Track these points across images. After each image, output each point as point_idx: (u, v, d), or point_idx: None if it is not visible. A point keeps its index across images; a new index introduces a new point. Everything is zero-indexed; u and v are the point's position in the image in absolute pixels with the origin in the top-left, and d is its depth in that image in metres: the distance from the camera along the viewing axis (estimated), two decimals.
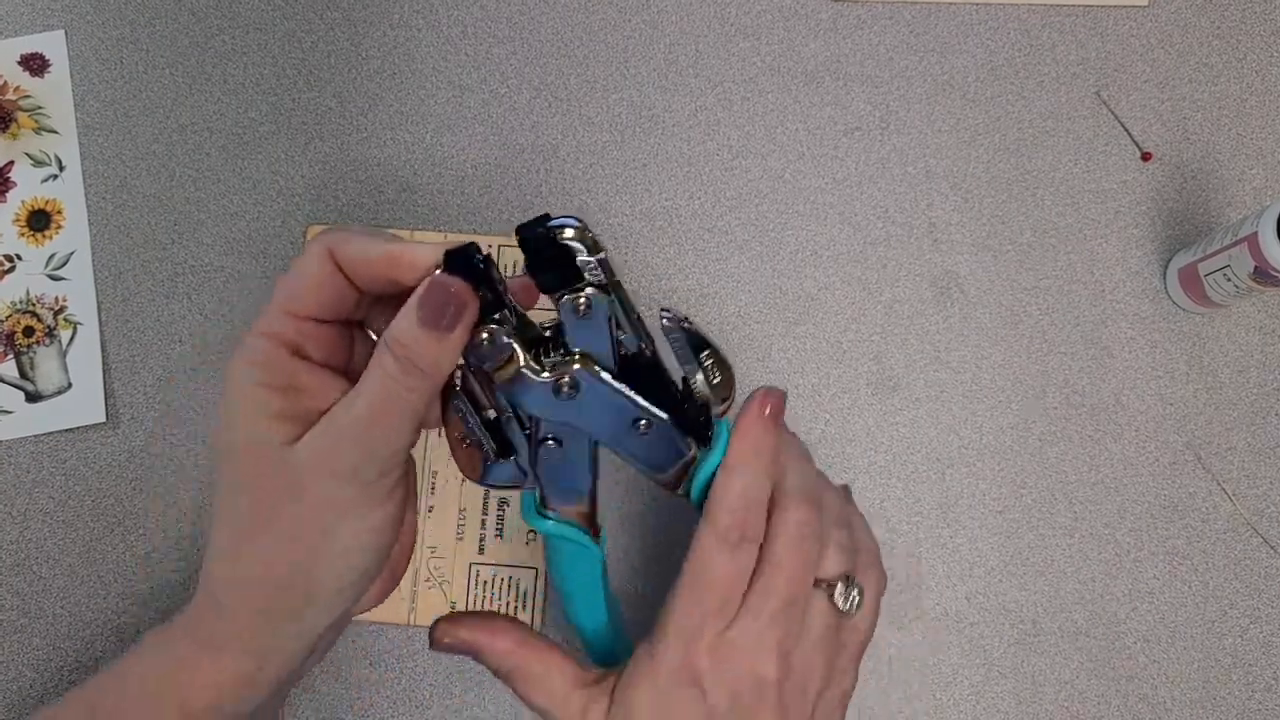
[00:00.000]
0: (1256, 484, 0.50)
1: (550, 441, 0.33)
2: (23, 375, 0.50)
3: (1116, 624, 0.49)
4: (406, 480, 0.34)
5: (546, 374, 0.31)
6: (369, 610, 0.35)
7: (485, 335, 0.30)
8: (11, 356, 0.50)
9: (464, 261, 0.29)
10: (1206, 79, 0.55)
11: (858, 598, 0.34)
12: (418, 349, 0.29)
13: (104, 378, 0.50)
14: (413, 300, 0.29)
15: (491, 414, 0.33)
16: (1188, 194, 0.53)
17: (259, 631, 0.31)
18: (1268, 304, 0.52)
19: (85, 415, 0.50)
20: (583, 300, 0.30)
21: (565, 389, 0.31)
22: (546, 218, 0.30)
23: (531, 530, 0.48)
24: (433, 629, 0.35)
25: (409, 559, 0.36)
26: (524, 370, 0.31)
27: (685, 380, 0.33)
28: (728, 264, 0.52)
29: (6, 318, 0.51)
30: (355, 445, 0.29)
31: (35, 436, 0.50)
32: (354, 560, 0.31)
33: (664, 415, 0.32)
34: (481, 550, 0.48)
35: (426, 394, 0.30)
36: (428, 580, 0.48)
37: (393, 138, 0.54)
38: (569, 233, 0.30)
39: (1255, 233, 0.45)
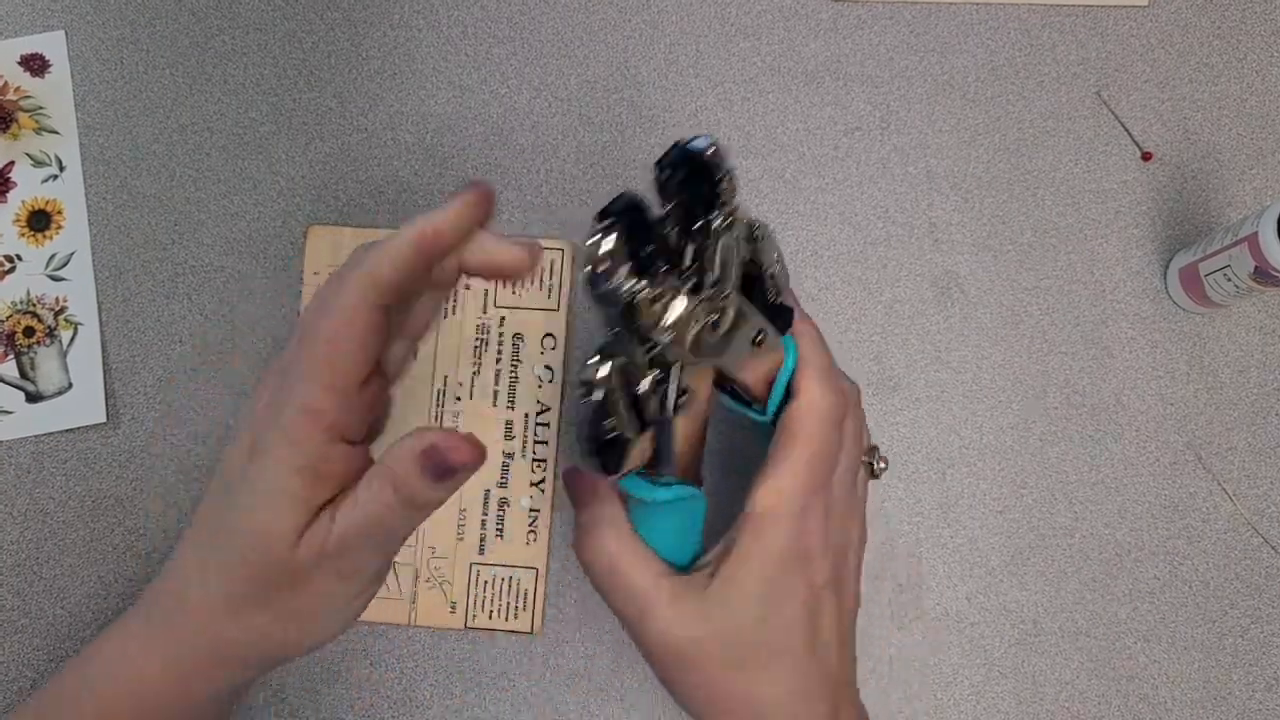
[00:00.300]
0: (1257, 484, 0.50)
1: (684, 395, 0.32)
2: (23, 375, 0.50)
3: (1117, 624, 0.49)
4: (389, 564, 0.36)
5: (713, 315, 0.31)
6: None
7: (658, 308, 0.29)
8: (12, 357, 0.50)
9: (627, 214, 0.28)
10: (1207, 79, 0.55)
11: (884, 465, 0.41)
12: (418, 493, 0.30)
13: (104, 378, 0.50)
14: (416, 447, 0.30)
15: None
16: (1188, 194, 0.53)
17: (234, 669, 0.34)
18: (1268, 304, 0.52)
19: (86, 415, 0.50)
20: (758, 228, 0.31)
21: (724, 325, 0.31)
22: (677, 145, 0.30)
23: (532, 529, 0.48)
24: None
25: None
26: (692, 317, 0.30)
27: (769, 275, 0.34)
28: None
29: (7, 318, 0.51)
30: (355, 554, 0.31)
31: (36, 437, 0.50)
32: (333, 633, 0.34)
33: (773, 327, 0.34)
34: (482, 550, 0.48)
35: (419, 522, 0.32)
36: (428, 581, 0.48)
37: (393, 138, 0.54)
38: (709, 149, 0.29)
39: (1255, 233, 0.45)
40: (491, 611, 0.48)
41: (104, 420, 0.50)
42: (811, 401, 0.35)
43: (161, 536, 0.49)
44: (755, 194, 0.53)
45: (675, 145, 0.29)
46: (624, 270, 0.28)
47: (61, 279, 0.51)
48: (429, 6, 0.55)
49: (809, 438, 0.34)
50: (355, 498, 0.30)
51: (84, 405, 0.50)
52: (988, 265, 0.52)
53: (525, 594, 0.48)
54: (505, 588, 0.48)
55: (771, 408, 0.36)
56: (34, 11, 0.54)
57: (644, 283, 0.28)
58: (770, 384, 0.35)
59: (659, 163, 0.29)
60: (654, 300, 0.29)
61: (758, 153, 0.53)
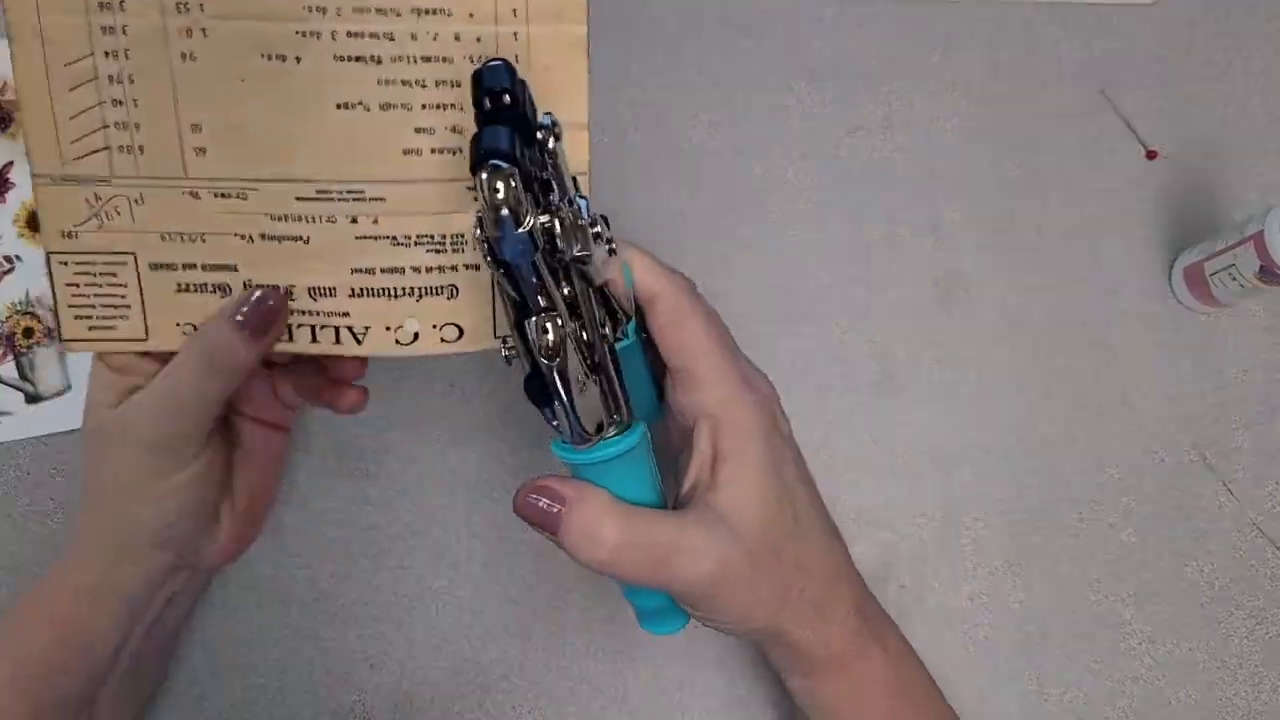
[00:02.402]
0: (1262, 484, 0.50)
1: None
2: (22, 377, 0.50)
3: (1122, 624, 0.48)
4: (217, 447, 0.38)
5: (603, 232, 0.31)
6: (228, 562, 0.41)
7: (554, 212, 0.27)
8: (11, 358, 0.50)
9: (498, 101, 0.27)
10: (1212, 77, 0.54)
11: None
12: (226, 348, 0.34)
13: None
14: (229, 304, 0.34)
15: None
16: (1193, 193, 0.53)
17: (100, 557, 0.37)
18: (1274, 303, 0.52)
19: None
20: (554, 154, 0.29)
21: (596, 230, 0.30)
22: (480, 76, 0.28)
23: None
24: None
25: (262, 514, 0.42)
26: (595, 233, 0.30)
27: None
28: (730, 263, 0.52)
29: (6, 319, 0.50)
30: (154, 423, 0.34)
31: (35, 438, 0.49)
32: (159, 513, 0.36)
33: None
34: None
35: (223, 390, 0.35)
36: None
37: None
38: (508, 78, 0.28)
39: (1261, 231, 0.45)
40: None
41: None
42: (673, 287, 0.34)
43: None
44: (757, 193, 0.53)
45: (482, 85, 0.28)
46: (531, 207, 0.27)
47: None
48: None
49: (695, 318, 0.34)
50: (165, 371, 0.35)
51: (83, 407, 0.49)
52: (992, 264, 0.52)
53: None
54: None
55: (633, 320, 0.35)
56: None
57: (545, 214, 0.27)
58: (627, 294, 0.34)
59: (481, 103, 0.28)
60: (557, 224, 0.28)
61: (760, 152, 0.53)
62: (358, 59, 0.33)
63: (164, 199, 0.34)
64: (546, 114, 0.30)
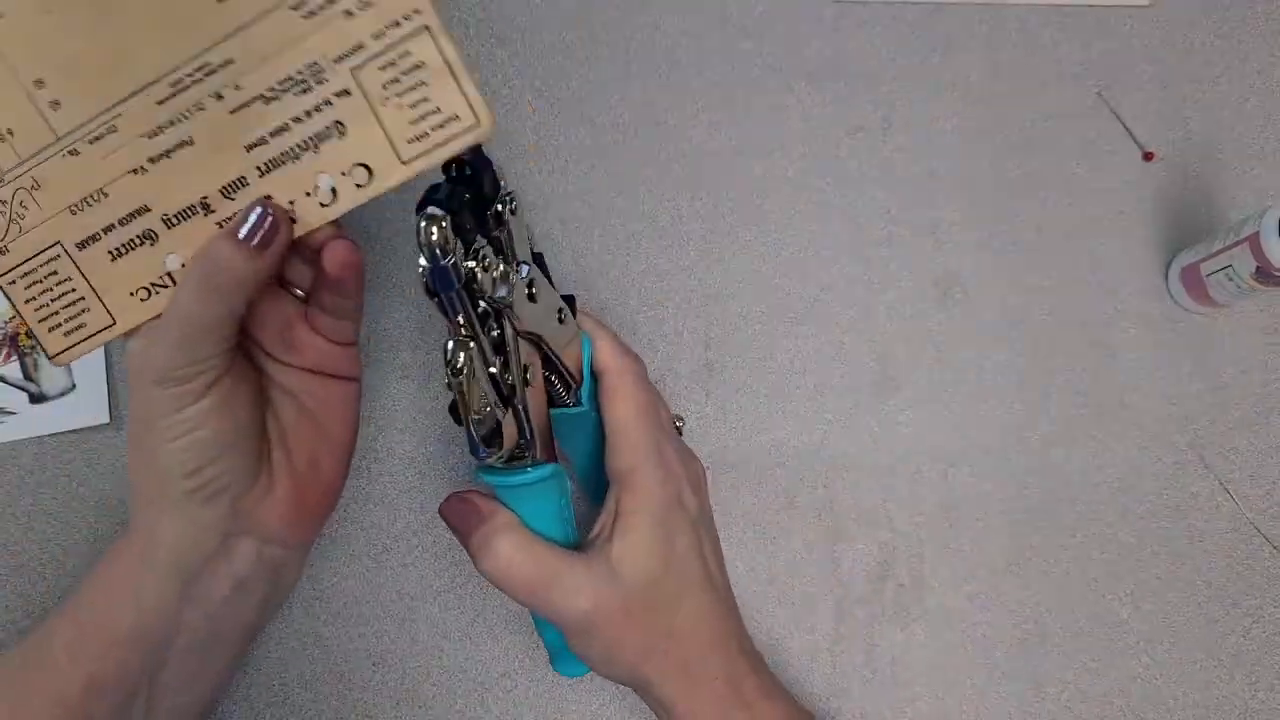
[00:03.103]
0: (1260, 484, 0.50)
1: (528, 370, 0.36)
2: (26, 377, 0.50)
3: (1120, 624, 0.49)
4: (238, 380, 0.37)
5: (521, 277, 0.35)
6: (295, 530, 0.40)
7: (483, 258, 0.33)
8: (15, 358, 0.50)
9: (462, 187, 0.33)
10: (1209, 79, 0.55)
11: (681, 422, 0.46)
12: (226, 266, 0.33)
13: (107, 379, 0.50)
14: (231, 224, 0.34)
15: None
16: (1190, 194, 0.53)
17: (143, 514, 0.37)
18: (1270, 304, 0.52)
19: (89, 416, 0.50)
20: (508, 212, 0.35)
21: (530, 290, 0.36)
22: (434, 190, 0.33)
23: None
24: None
25: (331, 476, 0.41)
26: (514, 278, 0.34)
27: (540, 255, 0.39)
28: (730, 264, 0.52)
29: (10, 319, 0.51)
30: (163, 354, 0.34)
31: (39, 438, 0.50)
32: (181, 450, 0.35)
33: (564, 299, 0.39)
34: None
35: (228, 312, 0.34)
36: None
37: None
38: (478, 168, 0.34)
39: (1257, 232, 0.45)
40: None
41: (107, 421, 0.50)
42: (621, 366, 0.40)
43: None
44: (757, 194, 0.53)
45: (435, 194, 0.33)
46: (460, 251, 0.32)
47: None
48: None
49: (631, 395, 0.39)
50: (171, 301, 0.34)
51: (87, 406, 0.50)
52: (990, 265, 0.52)
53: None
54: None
55: (585, 388, 0.40)
56: None
57: (474, 261, 0.32)
58: (579, 364, 0.40)
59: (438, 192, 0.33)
60: (483, 270, 0.33)
61: (759, 152, 0.53)
62: None
63: (53, 171, 0.34)
64: (508, 193, 0.35)
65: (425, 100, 0.33)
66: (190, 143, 0.34)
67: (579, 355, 0.40)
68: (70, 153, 0.34)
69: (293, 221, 0.35)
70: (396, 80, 0.32)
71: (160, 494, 0.36)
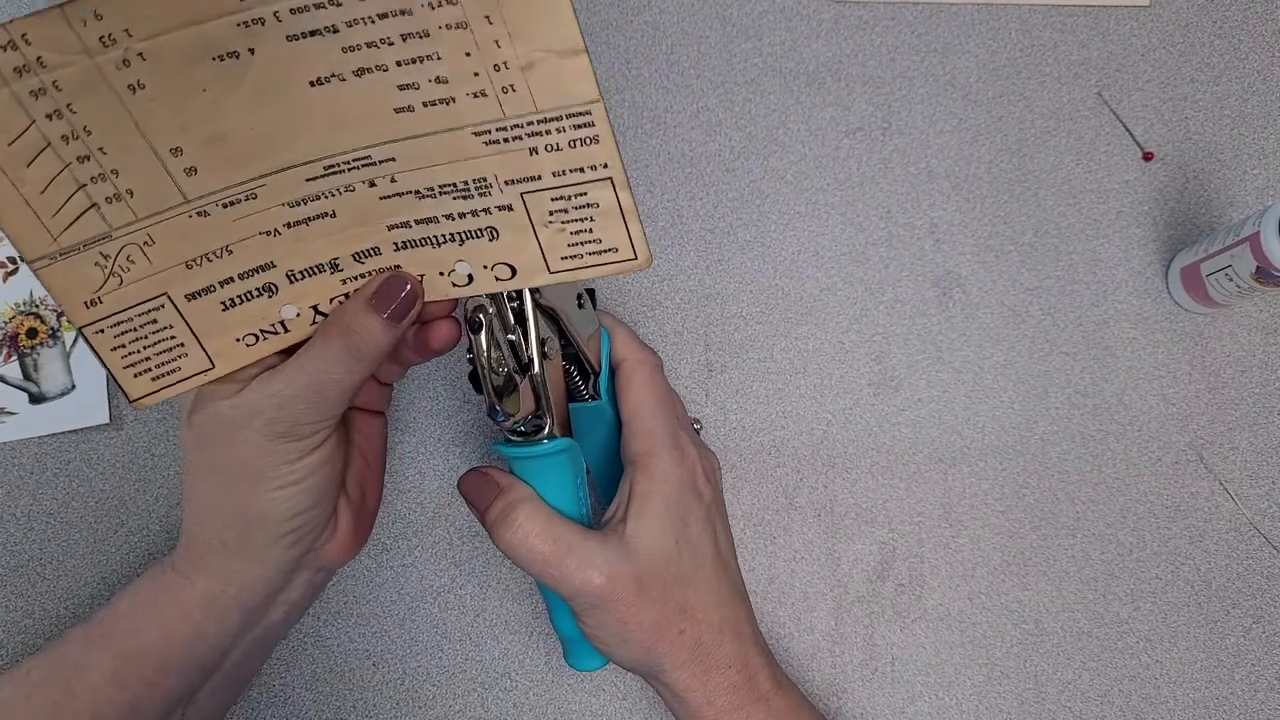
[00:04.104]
0: (1259, 484, 0.50)
1: (546, 344, 0.38)
2: (26, 377, 0.50)
3: (1119, 624, 0.49)
4: (341, 432, 0.38)
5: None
6: (345, 560, 0.41)
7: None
8: (15, 358, 0.50)
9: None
10: (1208, 79, 0.55)
11: (699, 425, 0.47)
12: (368, 336, 0.35)
13: (107, 379, 0.50)
14: (367, 289, 0.35)
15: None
16: (1189, 194, 0.53)
17: (217, 557, 0.37)
18: (1270, 304, 0.52)
19: (89, 417, 0.50)
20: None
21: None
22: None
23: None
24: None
25: (373, 509, 0.42)
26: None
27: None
28: (730, 264, 0.52)
29: (10, 319, 0.51)
30: (290, 409, 0.34)
31: (39, 438, 0.50)
32: (287, 499, 0.36)
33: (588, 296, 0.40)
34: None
35: (363, 376, 0.35)
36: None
37: None
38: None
39: (1257, 232, 0.45)
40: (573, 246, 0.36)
41: (107, 421, 0.50)
42: (639, 357, 0.41)
43: (164, 537, 0.49)
44: (756, 195, 0.53)
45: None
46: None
47: None
48: None
49: (648, 382, 0.40)
50: (299, 356, 0.35)
51: (87, 406, 0.50)
52: (989, 265, 0.52)
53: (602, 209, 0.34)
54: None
55: (604, 380, 0.41)
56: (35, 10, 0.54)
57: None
58: (599, 356, 0.41)
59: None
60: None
61: (759, 153, 0.53)
62: (312, 33, 0.31)
63: (173, 229, 0.33)
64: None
65: (589, 231, 0.34)
66: (332, 215, 0.35)
67: (599, 348, 0.41)
68: (199, 214, 0.33)
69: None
70: (565, 210, 0.34)
71: (243, 538, 0.37)
